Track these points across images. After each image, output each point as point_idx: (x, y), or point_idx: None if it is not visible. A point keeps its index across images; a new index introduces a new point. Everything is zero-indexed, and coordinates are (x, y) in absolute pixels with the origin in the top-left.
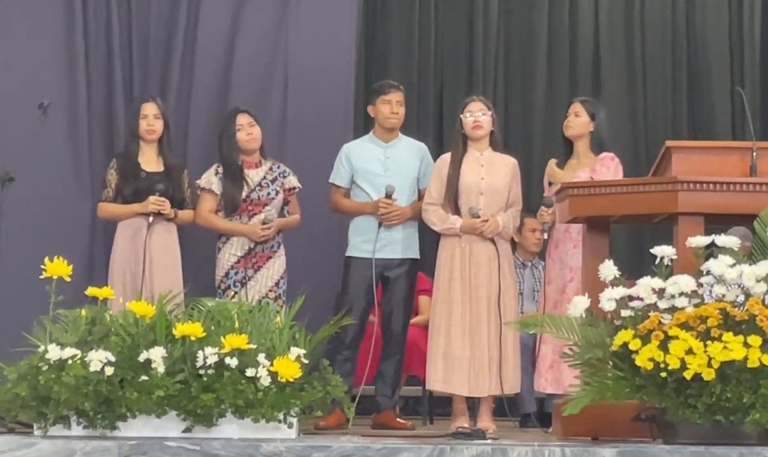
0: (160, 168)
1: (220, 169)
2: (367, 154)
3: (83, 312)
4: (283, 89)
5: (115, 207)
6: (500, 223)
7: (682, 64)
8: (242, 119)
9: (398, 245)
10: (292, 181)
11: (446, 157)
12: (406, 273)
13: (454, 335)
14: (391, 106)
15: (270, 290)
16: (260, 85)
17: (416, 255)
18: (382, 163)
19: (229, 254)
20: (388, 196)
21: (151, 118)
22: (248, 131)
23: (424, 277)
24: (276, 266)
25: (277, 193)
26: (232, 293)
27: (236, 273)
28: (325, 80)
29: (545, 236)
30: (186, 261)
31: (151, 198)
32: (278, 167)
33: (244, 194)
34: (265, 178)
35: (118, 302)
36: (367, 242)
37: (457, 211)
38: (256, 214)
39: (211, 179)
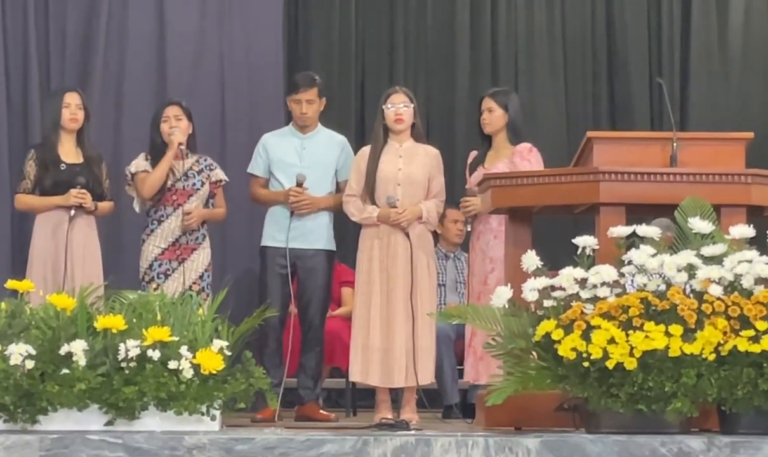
0: (80, 160)
1: (149, 156)
2: (284, 145)
3: (2, 305)
4: (220, 82)
5: (33, 199)
6: (424, 211)
7: (602, 54)
8: (169, 111)
9: (310, 235)
10: (219, 174)
11: (366, 149)
12: (321, 264)
13: (373, 327)
14: (300, 106)
15: (194, 283)
16: (194, 77)
17: (331, 246)
18: (298, 154)
19: (153, 246)
20: (299, 184)
21: (74, 108)
22: (172, 124)
23: (347, 269)
24: (201, 259)
25: (202, 184)
26: (156, 285)
27: (160, 265)
28: (255, 73)
29: (468, 228)
30: (115, 253)
31: (73, 191)
32: (205, 160)
33: (169, 183)
34: (191, 168)
35: (38, 295)
36: (280, 231)
37: (374, 202)
38: (180, 204)
39: (141, 163)
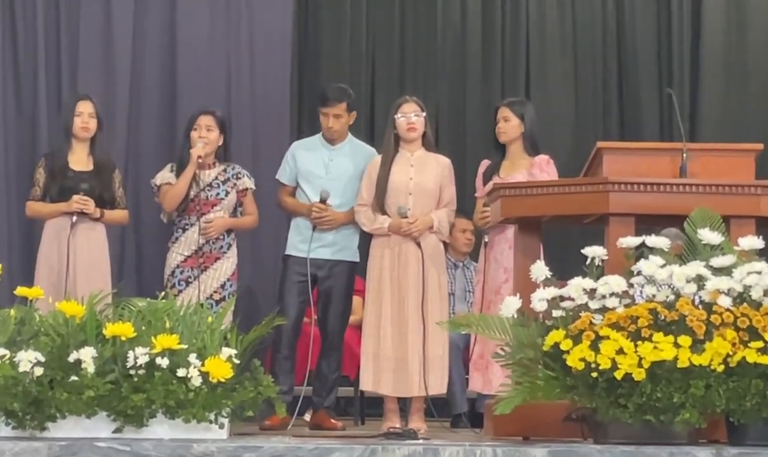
0: (89, 167)
1: (175, 167)
2: (312, 155)
3: (12, 312)
4: (228, 87)
5: (41, 206)
6: (435, 221)
7: (612, 64)
8: (201, 120)
9: (333, 246)
10: (246, 182)
11: (377, 159)
12: (341, 274)
13: (383, 336)
14: (327, 119)
15: (215, 291)
16: (204, 83)
17: (353, 257)
18: (325, 165)
19: (176, 253)
20: (323, 201)
21: (85, 116)
22: (202, 134)
23: (357, 278)
24: (224, 268)
25: (227, 193)
26: (177, 291)
27: (182, 272)
28: (264, 79)
29: (486, 238)
30: (137, 261)
31: (75, 197)
32: (233, 168)
33: (192, 193)
34: (216, 178)
35: (46, 301)
36: (303, 241)
37: (385, 212)
38: (204, 213)
39: (165, 175)
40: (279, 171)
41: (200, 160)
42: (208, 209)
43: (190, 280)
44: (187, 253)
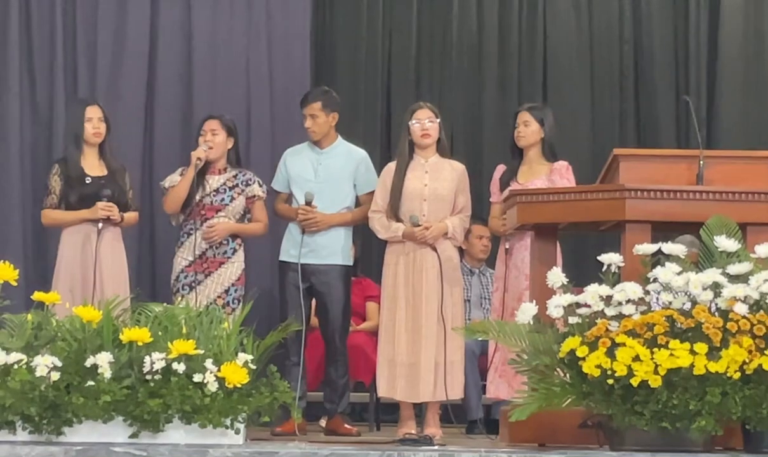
0: (103, 172)
1: (184, 171)
2: (302, 160)
3: (29, 317)
4: (246, 94)
5: (61, 213)
6: (449, 227)
7: (629, 70)
8: (207, 126)
9: (322, 251)
10: (255, 189)
11: (391, 165)
12: (335, 279)
13: (398, 341)
14: (305, 120)
15: (219, 297)
16: (220, 89)
17: (346, 261)
18: (314, 169)
19: (181, 258)
20: (308, 203)
21: (96, 121)
22: (207, 138)
23: (372, 283)
24: (228, 273)
25: (232, 199)
26: (180, 296)
27: (186, 277)
28: (282, 86)
29: (506, 245)
30: (149, 264)
31: (100, 204)
32: (243, 175)
33: (198, 197)
34: (224, 184)
35: (64, 307)
36: (294, 247)
37: (399, 218)
38: (208, 218)
39: (174, 178)
40: (273, 179)
41: (199, 162)
42: (212, 214)
43: (193, 285)
44: (191, 257)
